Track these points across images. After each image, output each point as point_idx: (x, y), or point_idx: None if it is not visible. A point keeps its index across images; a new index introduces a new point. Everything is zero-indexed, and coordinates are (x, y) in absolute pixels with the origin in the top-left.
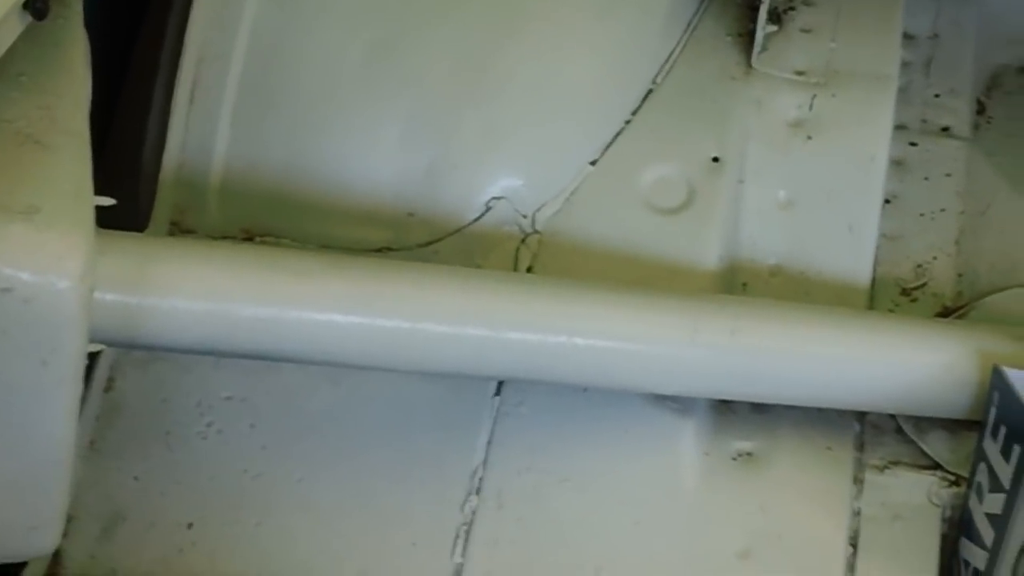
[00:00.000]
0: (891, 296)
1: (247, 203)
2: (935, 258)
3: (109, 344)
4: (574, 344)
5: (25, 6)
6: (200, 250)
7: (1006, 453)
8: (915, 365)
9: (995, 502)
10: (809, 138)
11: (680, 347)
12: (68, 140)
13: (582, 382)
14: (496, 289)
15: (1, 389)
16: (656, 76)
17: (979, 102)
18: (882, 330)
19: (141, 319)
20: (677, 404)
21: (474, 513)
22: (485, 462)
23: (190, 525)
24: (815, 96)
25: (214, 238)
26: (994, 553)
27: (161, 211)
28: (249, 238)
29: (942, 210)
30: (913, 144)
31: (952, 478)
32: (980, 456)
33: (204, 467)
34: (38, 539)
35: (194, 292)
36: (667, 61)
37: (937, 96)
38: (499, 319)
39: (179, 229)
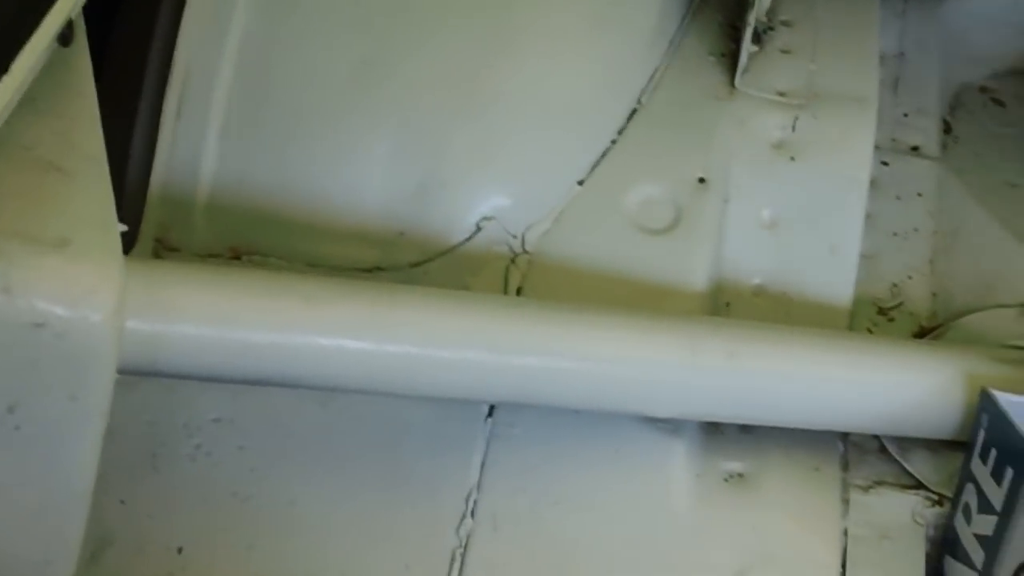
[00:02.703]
0: (869, 316)
1: (234, 221)
2: (910, 277)
3: (120, 373)
4: (578, 369)
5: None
6: (210, 275)
7: (997, 476)
8: (907, 388)
9: (985, 523)
10: (792, 159)
11: (680, 370)
12: (88, 166)
13: (582, 406)
14: (501, 314)
15: (28, 423)
16: (641, 95)
17: (945, 122)
18: (873, 352)
19: (153, 347)
20: (668, 425)
21: (469, 536)
22: (479, 484)
23: (180, 550)
24: (797, 117)
25: (200, 256)
26: (986, 574)
27: (147, 229)
28: (236, 256)
29: (915, 229)
30: (884, 163)
31: (935, 497)
32: (967, 477)
33: (193, 490)
34: (52, 573)
35: (206, 318)
36: (652, 80)
37: (906, 115)
38: (505, 344)
39: (164, 247)
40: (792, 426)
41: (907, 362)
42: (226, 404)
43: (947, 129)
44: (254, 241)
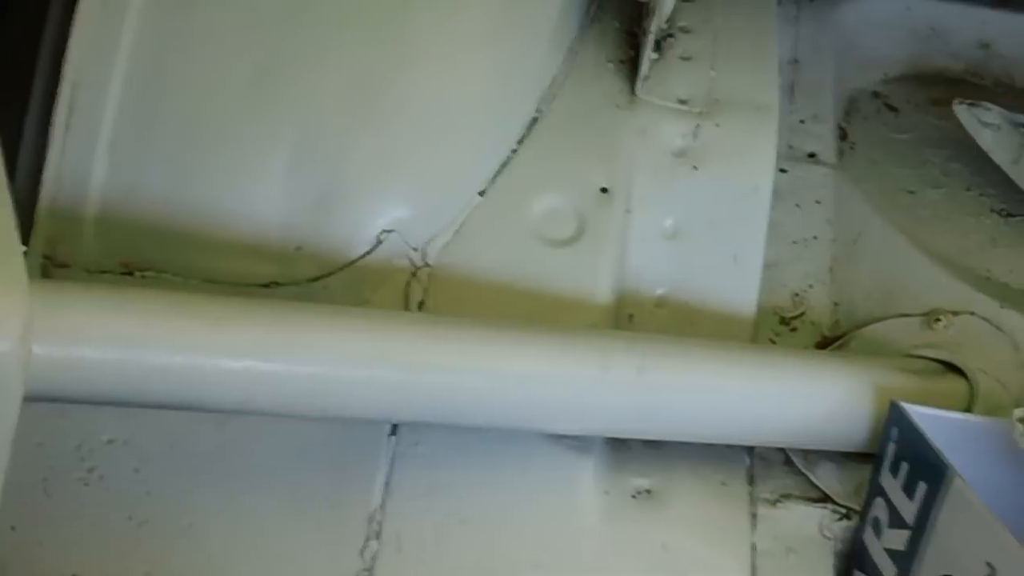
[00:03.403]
0: (771, 326)
1: (126, 235)
2: (811, 286)
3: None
4: (486, 388)
5: None
6: (112, 297)
7: (908, 490)
8: (814, 401)
9: (897, 538)
10: (695, 168)
11: (589, 387)
12: None
13: (490, 425)
14: (405, 332)
15: None
16: (541, 103)
17: (840, 128)
18: (781, 365)
19: (55, 373)
20: (575, 442)
21: (374, 558)
22: (383, 505)
23: None
24: (699, 125)
25: (91, 272)
26: None
27: (36, 245)
28: (128, 272)
29: (814, 237)
30: (783, 171)
31: (843, 511)
32: (877, 490)
33: (87, 514)
34: None
35: (109, 343)
36: (551, 88)
37: (802, 122)
38: (410, 363)
39: (53, 263)
40: (700, 441)
41: (814, 375)
42: (120, 425)
43: (843, 135)
44: (147, 256)
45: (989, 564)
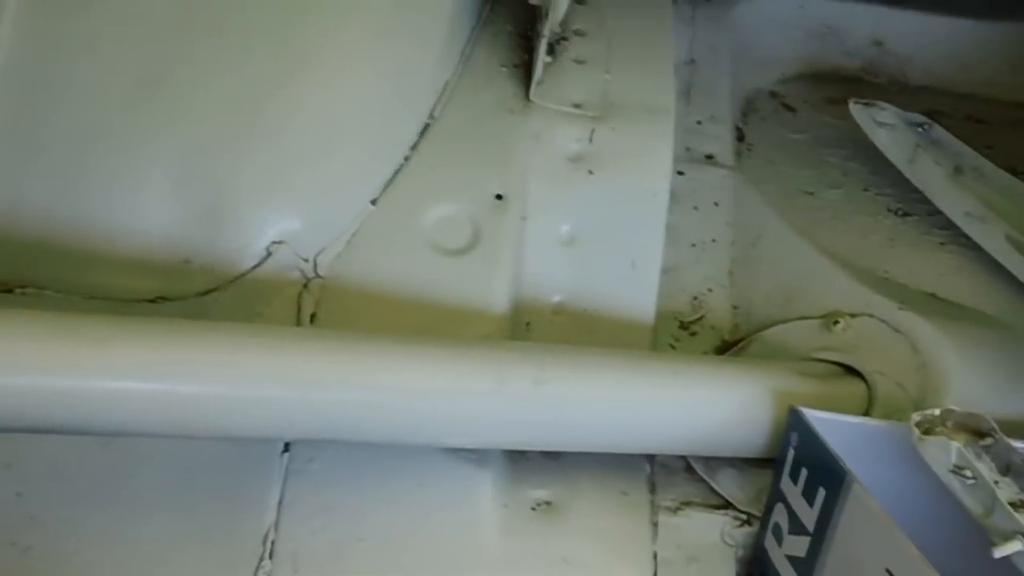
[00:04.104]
0: (671, 331)
1: (4, 252)
2: (710, 290)
3: None
4: (381, 403)
5: None
6: None
7: (808, 496)
8: (713, 408)
9: (797, 544)
10: (591, 172)
11: (486, 401)
12: None
13: (386, 441)
14: (296, 348)
15: None
16: (433, 109)
17: (738, 129)
18: (679, 373)
19: None
20: (473, 455)
21: None
22: (277, 524)
23: None
24: (594, 129)
25: None
26: None
27: None
28: (8, 290)
29: (713, 240)
30: (680, 173)
31: (744, 517)
32: (777, 497)
33: None
34: None
35: None
36: (443, 94)
37: (699, 123)
38: (303, 380)
39: None
40: (600, 450)
41: (713, 381)
42: (1, 448)
43: (740, 136)
44: (27, 273)
45: (888, 571)
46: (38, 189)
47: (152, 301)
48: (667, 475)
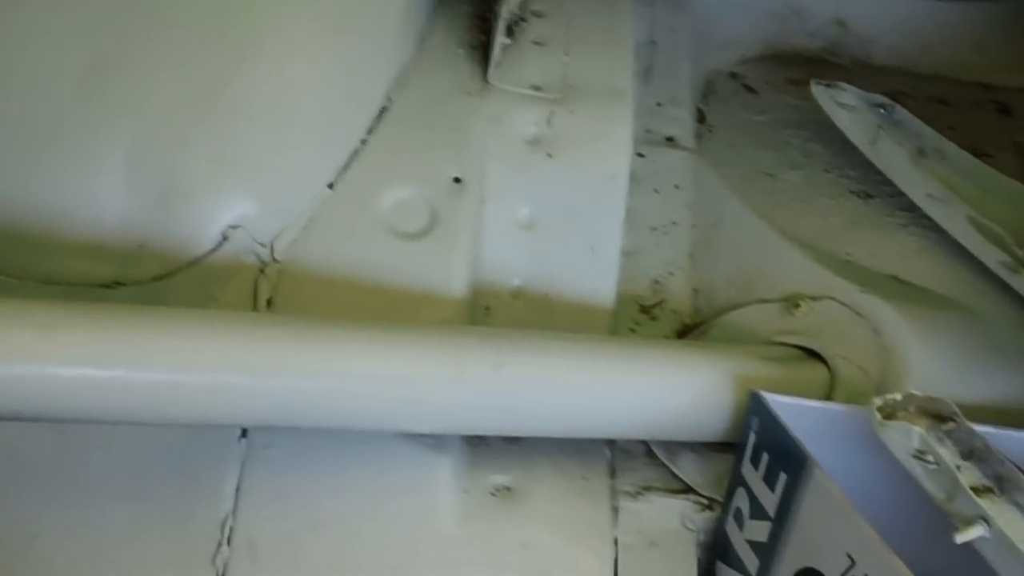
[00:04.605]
0: (631, 315)
1: None
2: (671, 273)
3: None
4: (338, 389)
5: None
6: None
7: (769, 480)
8: (673, 392)
9: (758, 529)
10: (549, 155)
11: (444, 386)
12: None
13: (344, 427)
14: (251, 333)
15: None
16: (390, 92)
17: (699, 110)
18: (638, 357)
19: None
20: (431, 440)
21: (226, 565)
22: (234, 510)
23: None
24: (553, 112)
25: None
26: None
27: None
28: None
29: (674, 223)
30: (640, 155)
31: (705, 502)
32: (738, 481)
33: None
34: None
35: None
36: (400, 76)
37: (659, 105)
38: (259, 366)
39: None
40: (560, 436)
41: (672, 365)
42: None
43: (701, 118)
44: None
45: (849, 556)
46: None
47: (107, 286)
48: (627, 460)
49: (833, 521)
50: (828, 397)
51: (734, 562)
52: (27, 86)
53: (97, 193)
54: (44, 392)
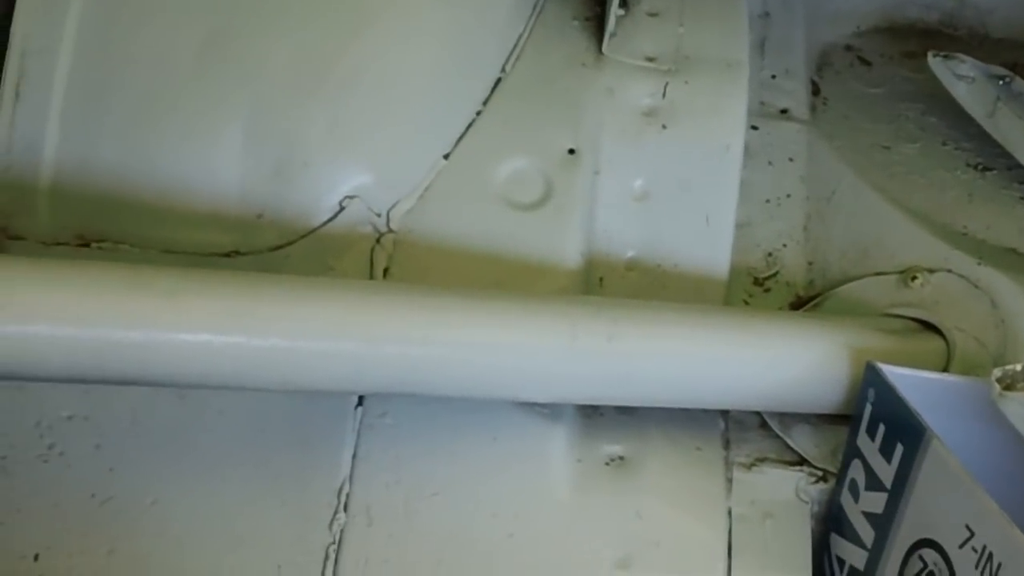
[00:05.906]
0: (744, 287)
1: (81, 206)
2: (785, 245)
3: None
4: (454, 357)
5: None
6: (66, 272)
7: (886, 452)
8: (789, 363)
9: (874, 501)
10: (664, 127)
11: (559, 355)
12: None
13: (459, 395)
14: (370, 301)
15: None
16: (505, 64)
17: (813, 83)
18: (754, 328)
19: (9, 351)
20: (546, 409)
21: (342, 531)
22: (351, 477)
23: (36, 556)
24: (667, 84)
25: (46, 244)
26: (875, 552)
27: None
28: (85, 244)
29: (788, 196)
30: (754, 128)
31: (819, 473)
32: (854, 453)
33: (48, 493)
34: None
35: (64, 319)
36: (515, 48)
37: (773, 77)
38: (376, 333)
39: (7, 236)
40: (674, 406)
41: (788, 336)
42: (80, 401)
43: (815, 91)
44: (103, 228)
45: (968, 527)
46: (112, 146)
47: (226, 255)
48: (741, 431)
49: (951, 493)
50: (944, 369)
51: (849, 533)
52: (146, 59)
53: (216, 163)
54: (165, 358)
